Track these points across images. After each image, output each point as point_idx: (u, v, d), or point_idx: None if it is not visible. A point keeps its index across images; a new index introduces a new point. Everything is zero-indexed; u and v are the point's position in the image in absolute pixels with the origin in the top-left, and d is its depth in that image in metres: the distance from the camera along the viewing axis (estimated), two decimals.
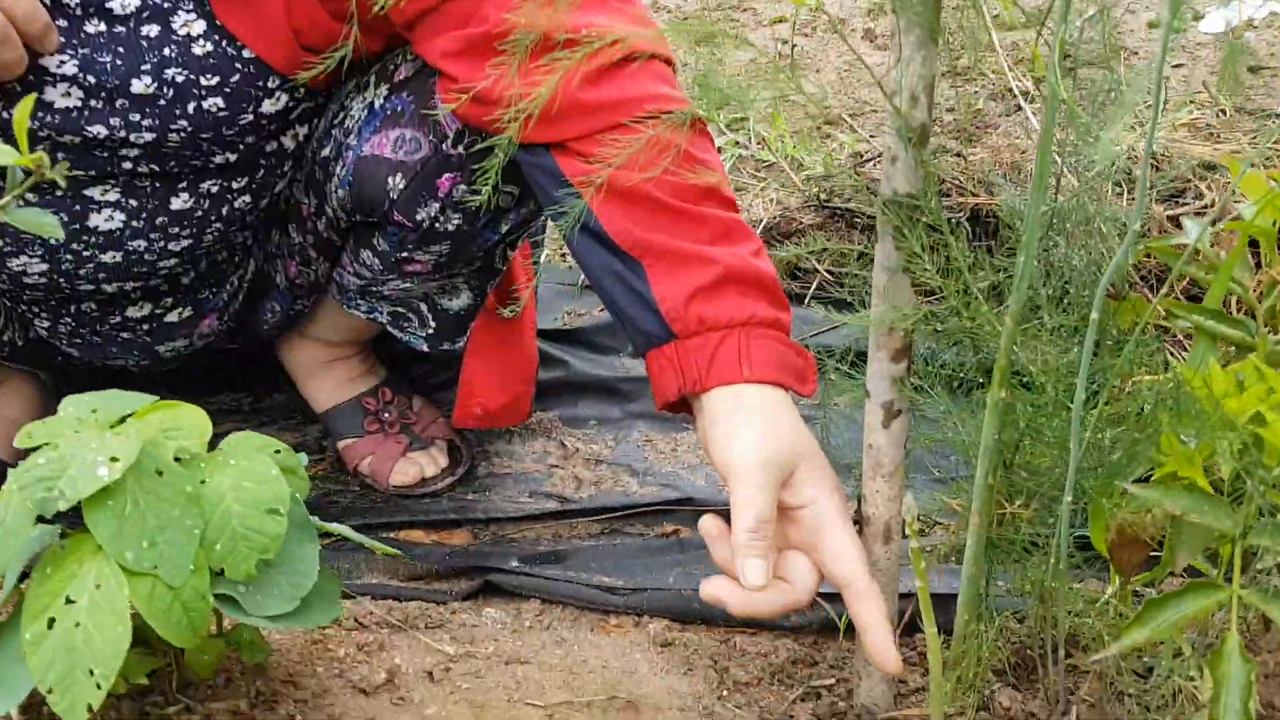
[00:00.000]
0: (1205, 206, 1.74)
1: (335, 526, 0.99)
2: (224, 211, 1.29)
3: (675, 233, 1.08)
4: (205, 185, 1.26)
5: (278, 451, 0.95)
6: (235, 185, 1.28)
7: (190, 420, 0.91)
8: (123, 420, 0.89)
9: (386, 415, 1.67)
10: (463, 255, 1.38)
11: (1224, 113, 2.00)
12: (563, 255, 2.03)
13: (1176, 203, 1.80)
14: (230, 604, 0.89)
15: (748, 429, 1.05)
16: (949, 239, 1.01)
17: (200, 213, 1.27)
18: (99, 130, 1.16)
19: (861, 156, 2.05)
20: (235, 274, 1.46)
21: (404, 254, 1.36)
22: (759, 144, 2.14)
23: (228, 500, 0.87)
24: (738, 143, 2.16)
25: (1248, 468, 0.82)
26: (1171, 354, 0.97)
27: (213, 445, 0.95)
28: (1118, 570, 1.03)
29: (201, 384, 1.76)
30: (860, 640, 1.05)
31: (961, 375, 1.10)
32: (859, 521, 1.11)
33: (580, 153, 1.11)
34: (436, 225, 1.32)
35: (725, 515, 1.58)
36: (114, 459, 0.82)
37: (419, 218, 1.31)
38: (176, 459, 0.88)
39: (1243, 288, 1.02)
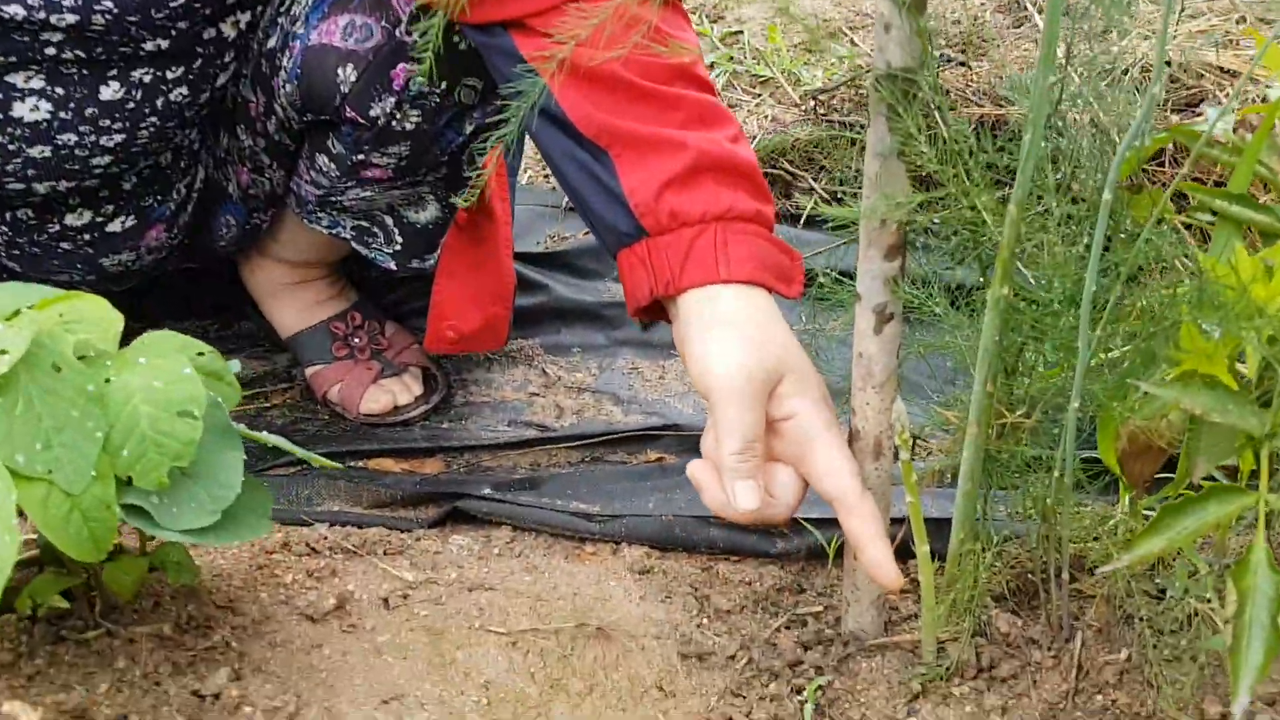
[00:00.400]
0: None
1: (262, 435, 0.91)
2: (159, 104, 1.19)
3: (644, 117, 0.98)
4: (137, 74, 1.16)
5: (201, 354, 0.86)
6: (170, 75, 1.18)
7: (95, 313, 0.81)
8: (18, 313, 0.80)
9: (356, 340, 1.59)
10: (425, 158, 1.28)
11: (1243, 20, 1.88)
12: (545, 176, 1.93)
13: (1194, 112, 1.69)
14: (141, 516, 0.80)
15: (726, 339, 0.95)
16: (947, 117, 0.91)
17: (133, 104, 1.17)
18: (16, 10, 1.06)
19: (864, 68, 1.94)
20: (182, 181, 1.37)
21: (360, 156, 1.27)
22: (754, 59, 2.03)
23: (135, 401, 0.78)
24: (731, 58, 2.05)
25: (1278, 357, 0.73)
26: (1198, 249, 0.88)
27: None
28: (1130, 482, 0.94)
29: (165, 310, 1.68)
30: (856, 557, 0.97)
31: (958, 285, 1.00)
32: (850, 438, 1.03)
33: (541, 31, 1.00)
34: (393, 123, 1.22)
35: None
36: (2, 351, 0.74)
37: (373, 114, 1.22)
38: (80, 356, 0.79)
39: (1270, 171, 0.92)
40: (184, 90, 1.20)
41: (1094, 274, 0.87)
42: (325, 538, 1.14)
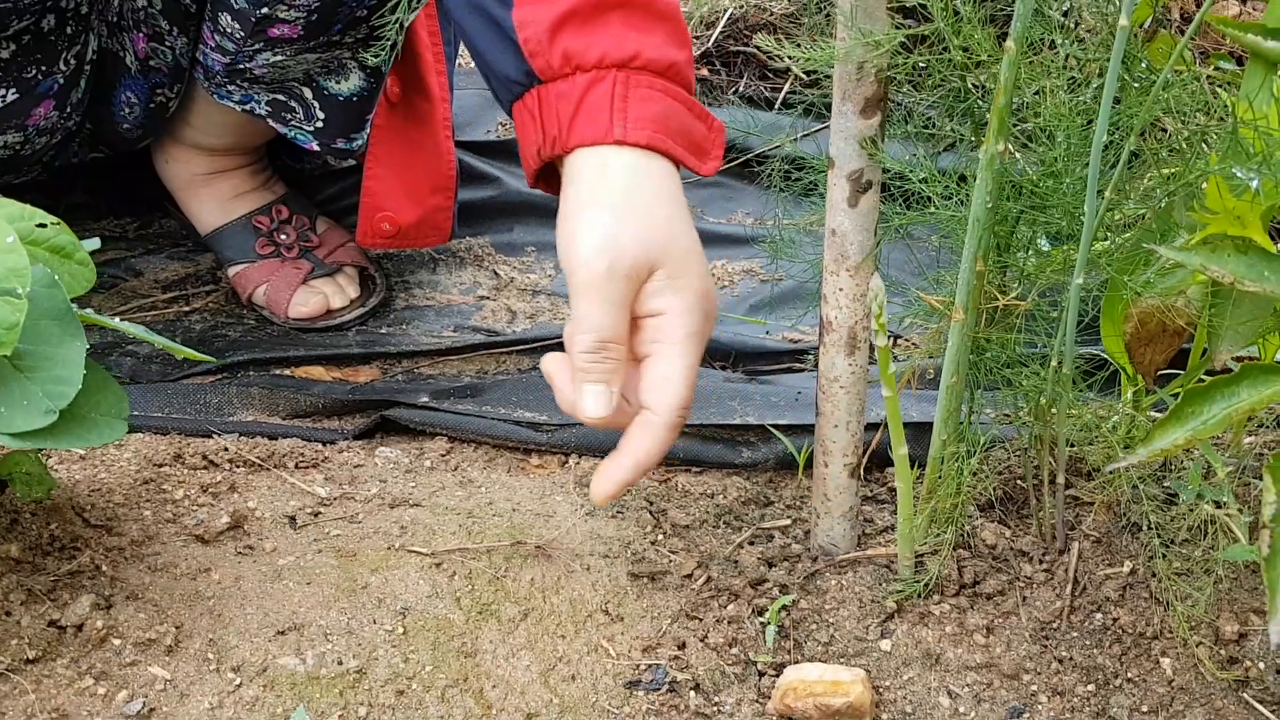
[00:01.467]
0: None
1: (115, 321, 0.77)
2: None
3: None
4: None
5: (43, 225, 0.72)
6: None
7: None
8: None
9: (283, 237, 1.44)
10: (338, 13, 1.12)
11: None
12: None
13: None
14: None
15: (598, 218, 0.79)
16: None
17: None
18: None
19: None
20: (69, 50, 1.21)
21: (265, 9, 1.11)
22: None
23: None
24: None
25: None
26: (1228, 94, 0.74)
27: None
28: (1138, 372, 0.81)
29: (83, 209, 1.53)
30: (601, 465, 0.84)
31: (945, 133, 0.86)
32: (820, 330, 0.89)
33: None
34: None
35: None
36: None
37: None
38: None
39: None
40: None
41: (1104, 124, 0.73)
42: (226, 449, 1.01)
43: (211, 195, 1.43)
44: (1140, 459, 0.64)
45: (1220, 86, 0.91)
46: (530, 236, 1.59)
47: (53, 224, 0.73)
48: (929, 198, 0.86)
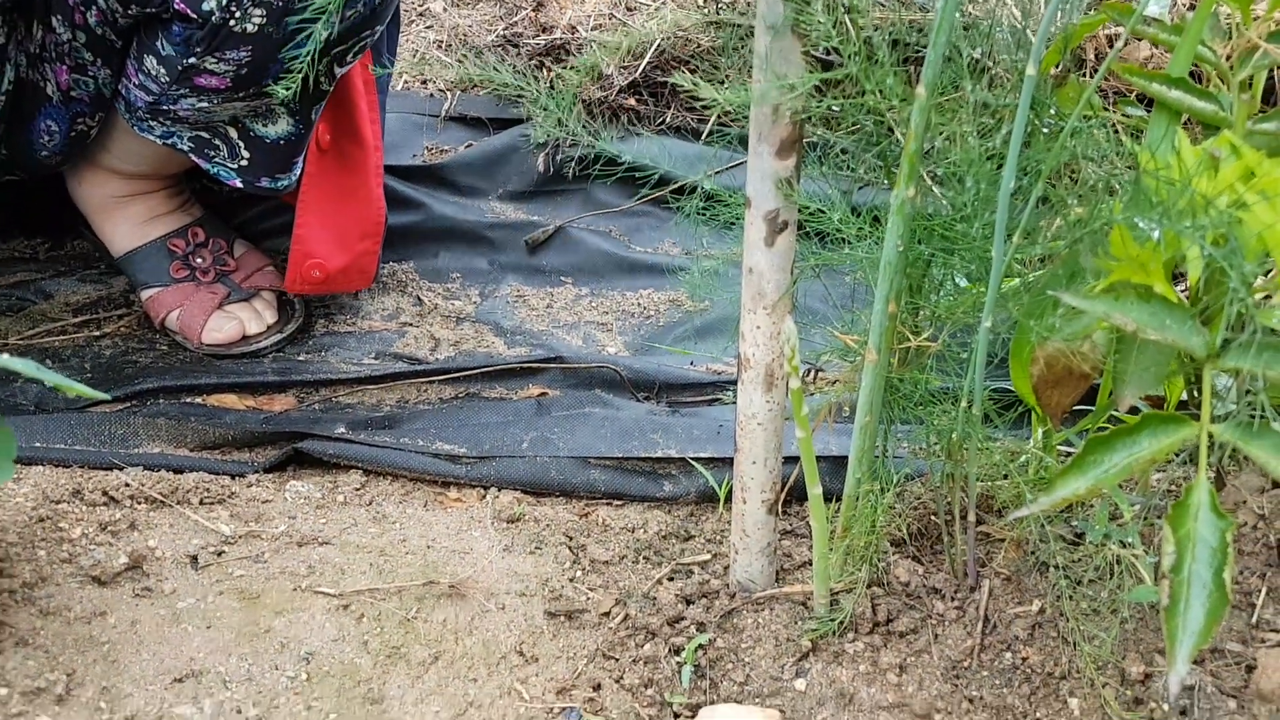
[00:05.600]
0: None
1: (3, 359, 0.73)
2: None
3: None
4: None
5: None
6: None
7: None
8: None
9: (198, 261, 1.41)
10: (269, 69, 1.09)
11: None
12: (422, 82, 1.75)
13: None
14: None
15: None
16: None
17: None
18: None
19: None
20: None
21: (192, 60, 1.08)
22: None
23: None
24: None
25: (1229, 260, 0.60)
26: (1132, 141, 0.75)
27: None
28: (1045, 414, 0.82)
29: None
30: None
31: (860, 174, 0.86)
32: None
33: None
34: (230, 22, 1.04)
35: (596, 375, 1.37)
36: None
37: (206, 8, 1.03)
38: None
39: (1213, 53, 0.80)
40: None
41: (1012, 170, 0.74)
42: (128, 484, 0.97)
43: (126, 217, 1.40)
44: (1042, 508, 0.64)
45: (1129, 132, 0.93)
46: (455, 262, 1.57)
47: None
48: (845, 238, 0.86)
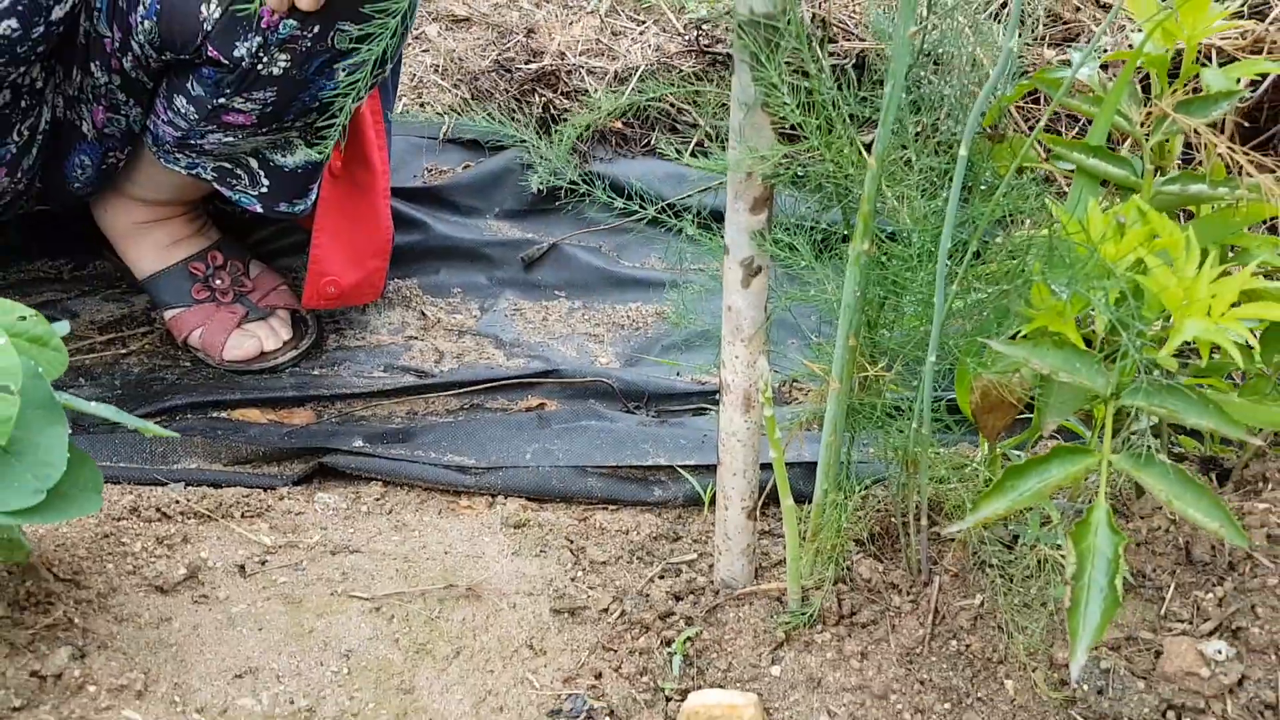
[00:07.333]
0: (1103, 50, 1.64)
1: (91, 405, 0.85)
2: None
3: None
4: None
5: (24, 319, 0.80)
6: None
7: None
8: None
9: (218, 282, 1.51)
10: (292, 106, 1.20)
11: None
12: (421, 105, 1.85)
13: (1070, 47, 1.69)
14: None
15: None
16: (810, 65, 0.88)
17: None
18: None
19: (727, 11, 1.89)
20: (23, 122, 1.27)
21: (221, 100, 1.19)
22: None
23: None
24: None
25: (1124, 320, 0.73)
26: (1053, 202, 0.87)
27: None
28: (984, 435, 0.95)
29: (15, 250, 1.58)
30: None
31: (825, 229, 0.99)
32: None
33: None
34: (259, 66, 1.14)
35: (593, 388, 1.49)
36: None
37: (237, 54, 1.14)
38: None
39: (1129, 121, 0.92)
40: (12, 24, 1.10)
41: (950, 227, 0.86)
42: (178, 501, 1.09)
43: (149, 242, 1.50)
44: (969, 525, 0.77)
45: (1059, 192, 1.05)
46: (456, 278, 1.68)
47: (32, 316, 0.81)
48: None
